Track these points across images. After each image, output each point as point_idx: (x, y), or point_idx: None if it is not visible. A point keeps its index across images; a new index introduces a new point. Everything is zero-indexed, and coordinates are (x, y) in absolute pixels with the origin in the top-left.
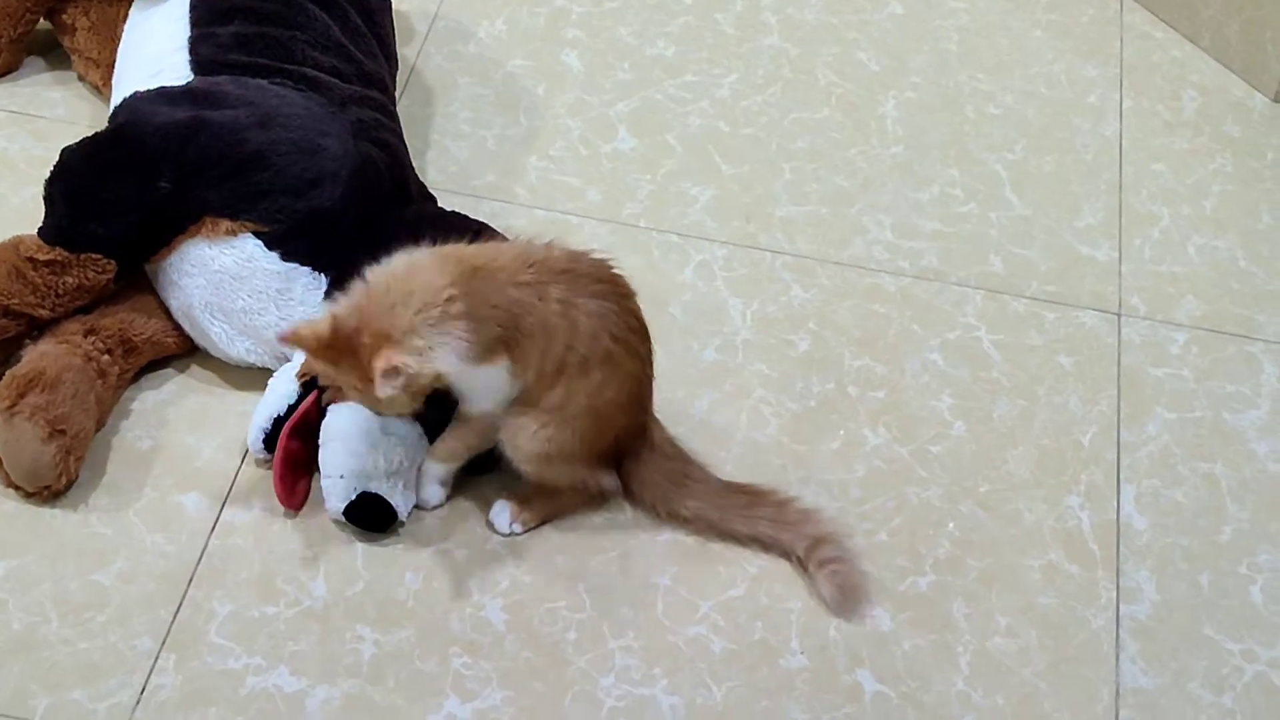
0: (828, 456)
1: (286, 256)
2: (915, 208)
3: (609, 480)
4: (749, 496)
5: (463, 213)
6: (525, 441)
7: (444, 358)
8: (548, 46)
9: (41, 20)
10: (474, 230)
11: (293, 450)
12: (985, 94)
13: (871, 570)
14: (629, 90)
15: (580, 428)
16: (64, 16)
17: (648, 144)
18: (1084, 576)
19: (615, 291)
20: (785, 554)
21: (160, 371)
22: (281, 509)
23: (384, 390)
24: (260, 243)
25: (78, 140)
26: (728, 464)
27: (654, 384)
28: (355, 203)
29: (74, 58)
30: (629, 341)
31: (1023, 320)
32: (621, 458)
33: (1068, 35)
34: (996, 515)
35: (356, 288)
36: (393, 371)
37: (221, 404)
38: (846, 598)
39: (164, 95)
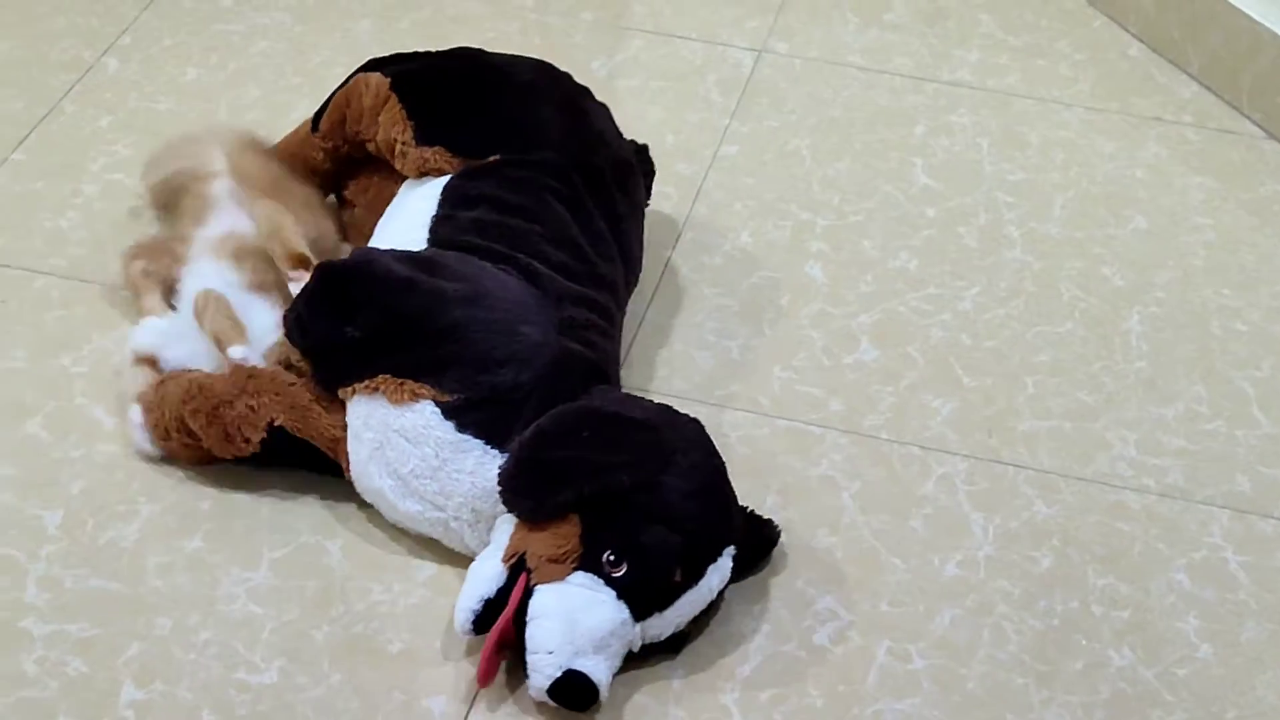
0: (1071, 677)
1: (462, 428)
2: (1160, 424)
3: None
4: None
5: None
6: None
7: None
8: (792, 258)
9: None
10: (639, 422)
11: (508, 633)
12: (1231, 310)
13: None
14: (871, 302)
15: None
16: (346, 193)
17: (890, 355)
18: None
19: None
20: None
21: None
22: (529, 710)
23: None
24: (439, 411)
25: (331, 260)
26: (969, 681)
27: None
28: (543, 392)
29: (350, 232)
30: None
31: (1271, 542)
32: None
33: None
34: None
35: None
36: None
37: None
38: None
39: (393, 252)
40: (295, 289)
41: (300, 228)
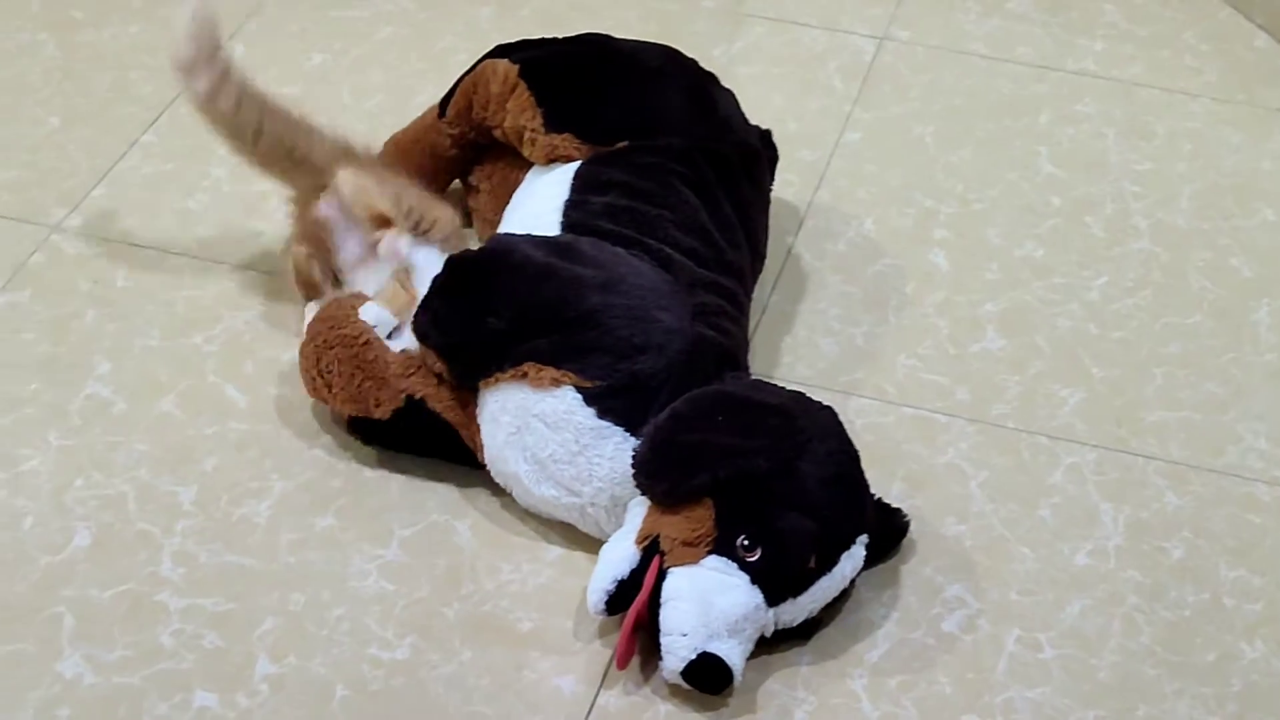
0: (1203, 669)
1: (602, 414)
2: None
3: None
4: None
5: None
6: None
7: None
8: (916, 246)
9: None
10: (773, 407)
11: (643, 615)
12: None
13: None
14: (997, 291)
15: None
16: (471, 179)
17: (1016, 344)
18: None
19: None
20: None
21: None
22: (660, 692)
23: None
24: (580, 397)
25: (464, 251)
26: (1100, 671)
27: None
28: (679, 378)
29: (474, 218)
30: None
31: None
32: None
33: None
34: None
35: None
36: None
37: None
38: None
39: (529, 238)
40: (384, 246)
41: (387, 190)
